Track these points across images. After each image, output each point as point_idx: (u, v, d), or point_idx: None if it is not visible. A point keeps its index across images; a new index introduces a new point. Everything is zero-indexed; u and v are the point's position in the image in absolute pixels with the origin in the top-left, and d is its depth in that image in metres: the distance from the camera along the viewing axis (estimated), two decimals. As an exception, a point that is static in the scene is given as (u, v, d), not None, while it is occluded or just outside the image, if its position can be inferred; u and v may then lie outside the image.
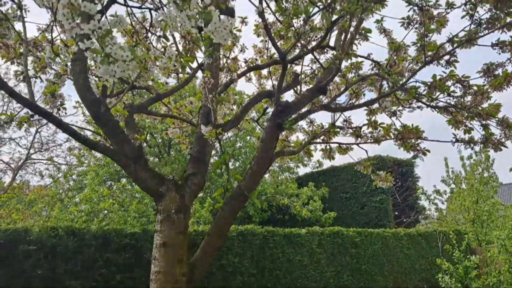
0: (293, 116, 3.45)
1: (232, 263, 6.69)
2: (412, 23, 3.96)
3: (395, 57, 4.55)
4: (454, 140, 3.88)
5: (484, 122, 3.90)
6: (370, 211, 14.31)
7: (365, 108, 4.54)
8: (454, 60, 3.80)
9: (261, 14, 2.83)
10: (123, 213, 10.03)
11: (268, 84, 4.60)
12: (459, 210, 14.40)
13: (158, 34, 4.21)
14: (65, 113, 3.17)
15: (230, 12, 4.63)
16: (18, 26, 3.42)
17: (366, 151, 4.58)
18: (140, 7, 3.66)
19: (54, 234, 5.07)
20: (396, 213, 15.66)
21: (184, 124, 4.71)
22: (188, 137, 5.29)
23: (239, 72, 4.20)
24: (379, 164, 14.80)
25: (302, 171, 17.16)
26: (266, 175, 13.15)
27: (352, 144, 4.28)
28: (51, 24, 3.53)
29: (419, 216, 15.62)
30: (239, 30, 3.07)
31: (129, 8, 3.37)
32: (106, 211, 9.96)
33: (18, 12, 3.42)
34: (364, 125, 4.86)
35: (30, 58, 3.52)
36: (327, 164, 16.74)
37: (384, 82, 4.57)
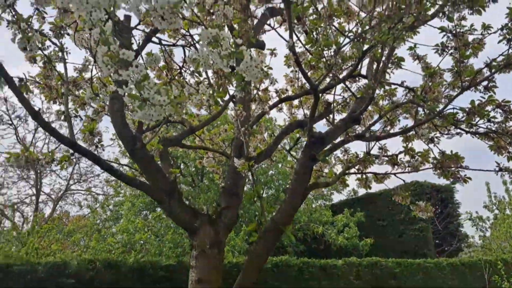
0: (327, 147, 3.41)
1: (267, 296, 6.56)
2: (446, 50, 3.89)
3: (429, 83, 4.45)
4: (497, 168, 3.71)
5: (529, 148, 3.72)
6: (408, 240, 13.78)
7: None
8: (492, 86, 3.68)
9: (291, 48, 2.84)
10: (158, 243, 10.08)
11: (299, 113, 4.60)
12: (504, 238, 13.65)
13: (191, 69, 4.32)
14: (103, 150, 3.26)
15: (261, 45, 4.71)
16: (59, 67, 3.60)
17: (403, 180, 4.44)
18: (173, 45, 3.78)
19: (92, 267, 5.14)
20: (437, 241, 15.00)
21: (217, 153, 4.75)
22: (222, 166, 5.32)
23: (270, 102, 4.22)
24: (417, 190, 14.34)
25: (336, 197, 16.85)
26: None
27: (389, 174, 4.16)
28: (88, 64, 3.69)
29: (461, 244, 14.89)
30: (270, 68, 3.10)
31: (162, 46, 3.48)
32: (142, 242, 10.05)
33: (60, 54, 3.61)
34: (400, 152, 4.74)
35: (70, 97, 3.68)
36: (362, 190, 16.36)
37: (420, 109, 4.47)
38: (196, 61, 2.48)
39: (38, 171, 20.17)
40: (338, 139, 3.76)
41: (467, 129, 4.28)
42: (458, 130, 4.38)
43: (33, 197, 20.38)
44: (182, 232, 10.62)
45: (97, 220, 16.23)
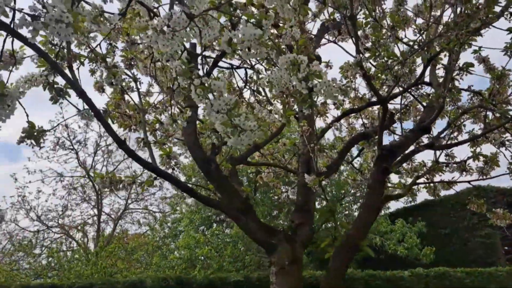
0: (397, 158, 3.38)
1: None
2: (515, 50, 3.75)
3: (497, 86, 4.30)
4: None
5: None
6: (475, 248, 13.10)
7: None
8: None
9: (359, 63, 2.87)
10: (219, 258, 10.25)
11: (357, 123, 4.59)
12: None
13: (253, 88, 4.44)
14: (179, 172, 3.41)
15: (318, 59, 4.76)
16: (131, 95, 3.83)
17: (475, 186, 4.29)
18: (238, 67, 3.92)
19: (166, 284, 5.33)
20: (506, 248, 14.13)
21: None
22: (280, 179, 5.35)
23: (328, 115, 4.26)
24: (480, 195, 13.64)
25: (393, 205, 16.35)
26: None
27: (461, 181, 4.04)
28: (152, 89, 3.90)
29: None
30: (348, 87, 3.14)
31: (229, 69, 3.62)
32: (203, 257, 10.26)
33: (133, 84, 3.84)
34: (469, 158, 4.59)
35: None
36: (420, 197, 15.82)
37: (489, 113, 4.32)
38: (270, 83, 2.57)
39: (99, 193, 21.23)
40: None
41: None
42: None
43: (95, 218, 21.40)
44: (241, 246, 10.76)
45: (156, 237, 16.77)
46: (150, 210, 22.73)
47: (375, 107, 4.51)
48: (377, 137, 3.70)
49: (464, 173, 4.58)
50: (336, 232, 3.31)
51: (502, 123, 3.68)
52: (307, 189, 3.52)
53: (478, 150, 4.60)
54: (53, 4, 1.52)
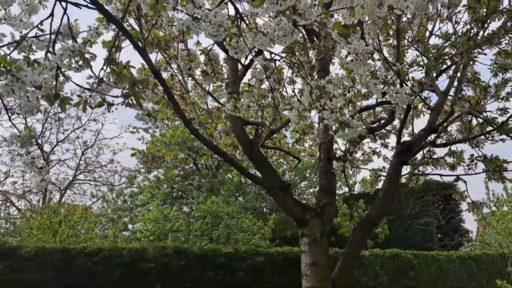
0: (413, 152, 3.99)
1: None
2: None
3: (482, 96, 5.04)
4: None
5: None
6: (415, 234, 14.53)
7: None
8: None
9: (398, 72, 3.39)
10: (188, 232, 10.57)
11: (369, 118, 5.15)
12: (503, 234, 14.44)
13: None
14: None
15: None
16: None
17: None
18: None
19: (166, 252, 5.65)
20: (439, 235, 15.82)
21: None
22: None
23: (345, 111, 4.78)
24: (423, 187, 15.08)
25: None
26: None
27: (452, 175, 4.76)
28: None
29: (462, 239, 15.74)
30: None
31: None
32: (172, 231, 10.52)
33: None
34: (445, 154, 5.33)
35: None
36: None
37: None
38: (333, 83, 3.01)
39: (47, 161, 20.42)
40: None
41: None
42: (503, 137, 5.00)
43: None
44: (209, 222, 11.13)
45: (108, 210, 16.65)
46: (99, 182, 22.29)
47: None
48: (380, 132, 4.29)
49: (438, 167, 5.34)
50: (355, 212, 3.87)
51: (488, 131, 4.39)
52: (330, 174, 4.03)
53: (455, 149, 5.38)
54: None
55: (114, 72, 2.24)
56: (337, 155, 4.28)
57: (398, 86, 2.70)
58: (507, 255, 12.63)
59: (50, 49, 2.32)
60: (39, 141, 20.21)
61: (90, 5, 2.28)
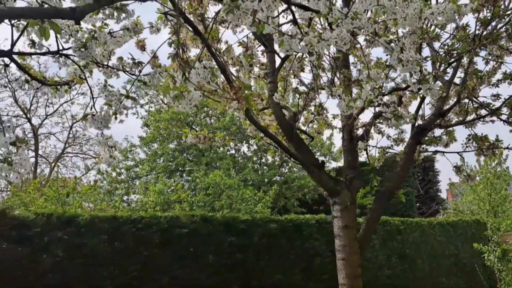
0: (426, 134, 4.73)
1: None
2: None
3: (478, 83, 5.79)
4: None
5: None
6: (397, 203, 15.68)
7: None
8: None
9: (419, 63, 4.06)
10: (191, 202, 11.24)
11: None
12: (475, 202, 15.75)
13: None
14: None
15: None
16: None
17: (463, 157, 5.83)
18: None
19: (194, 220, 6.32)
20: (418, 204, 17.08)
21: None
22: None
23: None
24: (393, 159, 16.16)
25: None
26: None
27: (449, 152, 5.53)
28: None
29: (439, 207, 17.05)
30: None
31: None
32: (177, 202, 11.17)
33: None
34: (442, 134, 6.11)
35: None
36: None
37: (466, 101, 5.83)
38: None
39: (37, 135, 20.47)
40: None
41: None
42: (494, 118, 5.79)
43: (32, 159, 20.65)
44: (211, 193, 11.80)
45: (103, 181, 17.06)
46: (88, 155, 22.52)
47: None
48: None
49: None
50: (374, 183, 4.61)
51: (485, 114, 5.15)
52: (354, 152, 4.73)
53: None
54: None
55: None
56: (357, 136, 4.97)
57: (432, 83, 3.38)
58: (481, 221, 13.80)
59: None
60: (28, 115, 20.18)
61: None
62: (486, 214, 15.06)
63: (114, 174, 17.48)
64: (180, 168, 15.31)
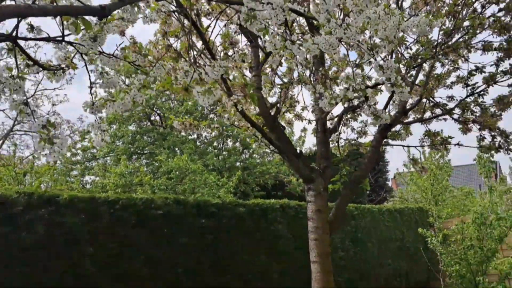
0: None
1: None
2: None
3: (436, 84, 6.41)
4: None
5: None
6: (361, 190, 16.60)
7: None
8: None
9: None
10: (152, 185, 11.35)
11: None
12: (419, 191, 16.97)
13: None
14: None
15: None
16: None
17: (419, 151, 6.46)
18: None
19: (168, 202, 6.54)
20: (367, 191, 18.15)
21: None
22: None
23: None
24: (356, 150, 17.07)
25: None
26: (270, 158, 14.95)
27: (408, 146, 6.13)
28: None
29: (387, 195, 18.22)
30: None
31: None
32: (139, 185, 11.24)
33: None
34: (400, 128, 6.72)
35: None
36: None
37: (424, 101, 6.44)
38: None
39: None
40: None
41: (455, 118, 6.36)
42: (446, 117, 6.45)
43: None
44: (173, 177, 11.96)
45: (57, 162, 16.62)
46: (43, 132, 21.65)
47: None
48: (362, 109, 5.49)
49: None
50: (343, 171, 5.09)
51: (440, 113, 5.76)
52: (326, 144, 5.18)
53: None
54: None
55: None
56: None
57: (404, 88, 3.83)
58: (424, 209, 14.88)
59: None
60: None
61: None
62: (428, 202, 16.27)
63: (68, 154, 17.10)
64: (139, 151, 15.27)
